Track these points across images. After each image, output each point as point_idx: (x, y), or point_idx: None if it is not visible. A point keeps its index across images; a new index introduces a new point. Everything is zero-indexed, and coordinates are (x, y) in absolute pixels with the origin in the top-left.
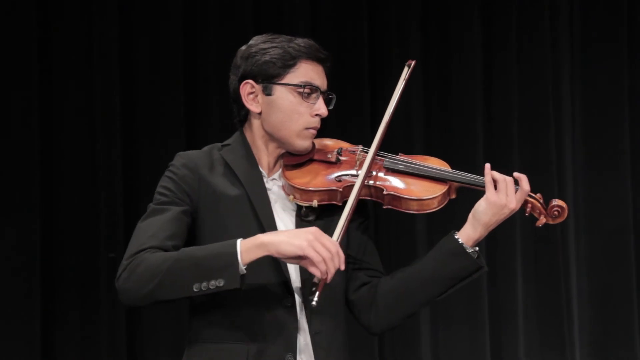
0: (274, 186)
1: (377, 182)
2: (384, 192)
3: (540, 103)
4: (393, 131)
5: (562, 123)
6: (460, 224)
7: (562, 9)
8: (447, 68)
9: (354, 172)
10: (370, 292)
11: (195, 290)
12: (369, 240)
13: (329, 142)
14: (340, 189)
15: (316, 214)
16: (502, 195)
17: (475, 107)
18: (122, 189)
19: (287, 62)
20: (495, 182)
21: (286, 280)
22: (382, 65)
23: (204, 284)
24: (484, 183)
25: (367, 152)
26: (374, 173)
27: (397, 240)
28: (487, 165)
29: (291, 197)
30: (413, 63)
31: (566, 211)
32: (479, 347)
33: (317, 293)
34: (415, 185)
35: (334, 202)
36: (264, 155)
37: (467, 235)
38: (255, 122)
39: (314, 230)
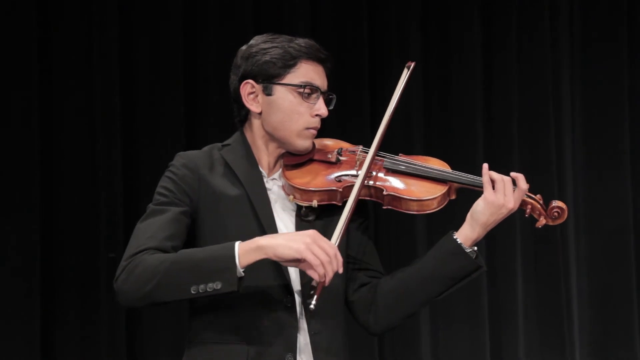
0: (274, 186)
1: (377, 183)
2: (384, 193)
3: (540, 103)
4: (393, 131)
5: (562, 123)
6: (460, 224)
7: (562, 9)
8: (447, 68)
9: (354, 172)
10: (369, 293)
11: (192, 292)
12: (369, 240)
13: (329, 142)
14: (340, 189)
15: (316, 214)
16: (500, 195)
17: (475, 107)
18: (122, 189)
19: (288, 62)
20: (493, 182)
21: (286, 281)
22: (382, 65)
23: (202, 286)
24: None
25: (367, 153)
26: (374, 173)
27: (397, 240)
28: (485, 165)
29: (291, 197)
30: (412, 64)
31: (566, 212)
32: (479, 347)
33: (315, 296)
34: (415, 185)
35: (333, 202)
36: (264, 155)
37: (466, 235)
38: (256, 122)
39: (312, 233)
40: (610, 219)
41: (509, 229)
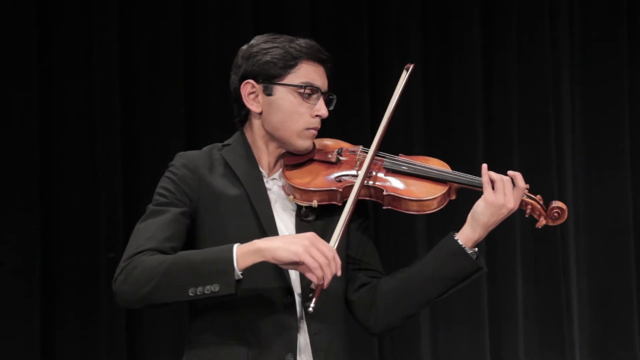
0: (274, 186)
1: (377, 183)
2: (384, 193)
3: (540, 103)
4: (393, 131)
5: (562, 123)
6: (460, 224)
7: (562, 9)
8: (447, 68)
9: (354, 172)
10: (370, 293)
11: (190, 294)
12: (369, 240)
13: (329, 142)
14: (340, 189)
15: (316, 214)
16: (500, 195)
17: (475, 107)
18: (122, 189)
19: (288, 63)
20: (492, 182)
21: (286, 281)
22: (382, 65)
23: (199, 288)
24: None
25: (367, 153)
26: (374, 173)
27: (397, 240)
28: (484, 166)
29: (291, 197)
30: (411, 67)
31: (566, 213)
32: (479, 347)
33: (314, 299)
34: (416, 186)
35: (334, 203)
36: (264, 155)
37: (466, 236)
38: (256, 122)
39: (310, 236)
40: (610, 219)
41: (509, 230)
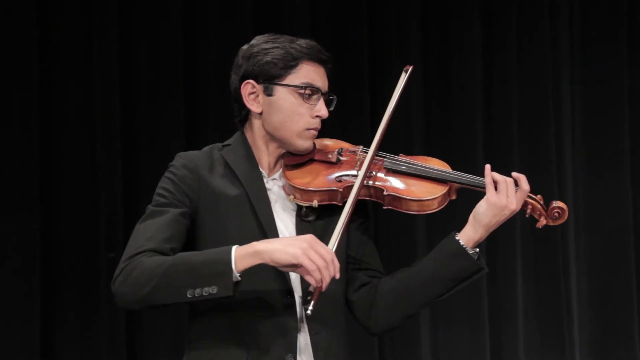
0: (274, 186)
1: (377, 183)
2: (384, 193)
3: (540, 103)
4: (393, 131)
5: (562, 123)
6: (460, 224)
7: (562, 9)
8: (447, 68)
9: (354, 172)
10: (370, 293)
11: (189, 296)
12: (369, 240)
13: (329, 143)
14: (341, 189)
15: (316, 214)
16: (502, 196)
17: (475, 107)
18: (122, 189)
19: (289, 63)
20: (495, 183)
21: (286, 282)
22: (382, 65)
23: (198, 290)
24: (484, 184)
25: (367, 153)
26: (374, 173)
27: (397, 240)
28: (488, 167)
29: (291, 197)
30: (410, 68)
31: (566, 213)
32: (479, 347)
33: (313, 302)
34: (416, 186)
35: (334, 203)
36: (265, 155)
37: (468, 236)
38: (256, 122)
39: (309, 238)
40: (610, 219)
41: (509, 230)
